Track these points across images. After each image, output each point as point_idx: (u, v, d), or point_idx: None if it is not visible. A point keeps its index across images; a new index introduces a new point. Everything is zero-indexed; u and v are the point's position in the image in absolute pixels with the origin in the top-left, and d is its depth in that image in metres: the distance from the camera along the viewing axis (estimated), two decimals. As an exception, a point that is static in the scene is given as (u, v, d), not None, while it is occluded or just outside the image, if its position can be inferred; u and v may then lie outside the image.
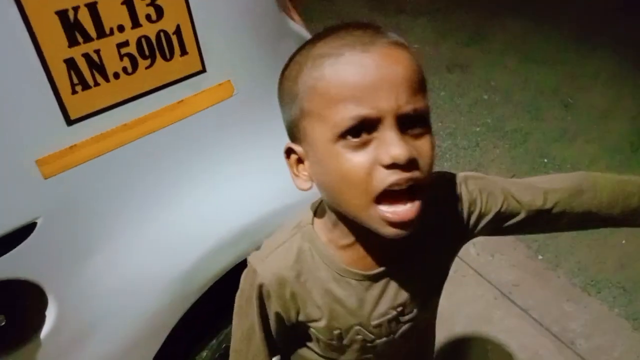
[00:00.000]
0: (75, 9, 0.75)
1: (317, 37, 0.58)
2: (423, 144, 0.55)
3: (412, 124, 0.54)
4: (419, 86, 0.55)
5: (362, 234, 0.61)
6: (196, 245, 1.03)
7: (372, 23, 0.58)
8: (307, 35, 1.23)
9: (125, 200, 0.92)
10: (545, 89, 3.51)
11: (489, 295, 2.00)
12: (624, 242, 2.29)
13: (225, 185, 1.06)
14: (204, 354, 1.19)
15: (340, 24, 0.58)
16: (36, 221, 0.82)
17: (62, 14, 0.74)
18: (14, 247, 0.81)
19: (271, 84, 1.07)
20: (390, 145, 0.51)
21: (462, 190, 0.70)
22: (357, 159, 0.52)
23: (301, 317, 0.69)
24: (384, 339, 0.71)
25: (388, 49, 0.53)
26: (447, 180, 0.71)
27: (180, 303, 1.05)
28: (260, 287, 0.67)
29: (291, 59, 0.61)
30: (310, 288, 0.67)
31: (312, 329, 0.70)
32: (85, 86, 0.80)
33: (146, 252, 0.96)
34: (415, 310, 0.71)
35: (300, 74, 0.57)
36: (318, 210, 0.69)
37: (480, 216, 0.71)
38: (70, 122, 0.80)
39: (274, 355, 0.75)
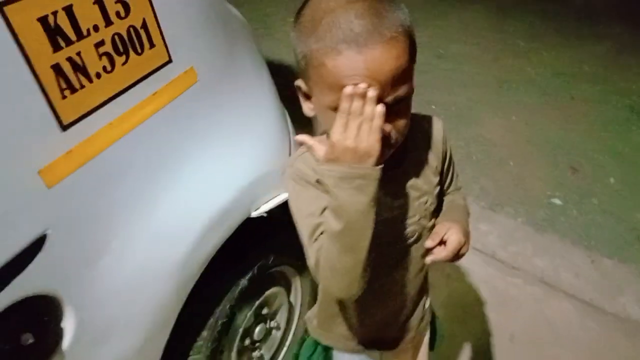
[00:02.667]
0: (54, 13, 0.75)
1: (322, 9, 0.67)
2: (400, 120, 0.72)
3: (392, 105, 0.68)
4: (404, 76, 0.68)
5: None
6: (189, 230, 1.07)
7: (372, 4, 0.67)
8: (236, 12, 1.29)
9: (122, 198, 0.93)
10: (420, 44, 3.85)
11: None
12: (511, 163, 2.68)
13: (203, 169, 1.10)
14: (204, 333, 1.24)
15: None
16: (46, 233, 0.81)
17: (43, 20, 0.74)
18: (29, 262, 0.80)
19: (226, 66, 1.14)
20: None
21: (442, 134, 0.92)
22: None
23: None
24: (392, 237, 0.87)
25: (381, 49, 0.65)
26: (429, 120, 0.93)
27: (183, 289, 1.09)
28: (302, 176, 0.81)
29: (306, 6, 0.71)
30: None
31: None
32: (73, 90, 0.80)
33: (148, 245, 0.98)
34: (416, 216, 0.88)
35: (306, 40, 0.68)
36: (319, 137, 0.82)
37: (444, 164, 0.94)
38: (64, 127, 0.80)
39: None
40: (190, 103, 1.05)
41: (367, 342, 1.06)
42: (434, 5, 4.49)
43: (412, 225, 0.88)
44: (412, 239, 0.90)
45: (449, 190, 1.00)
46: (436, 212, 0.94)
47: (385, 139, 0.68)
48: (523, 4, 4.42)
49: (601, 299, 1.97)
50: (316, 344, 1.11)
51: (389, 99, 0.67)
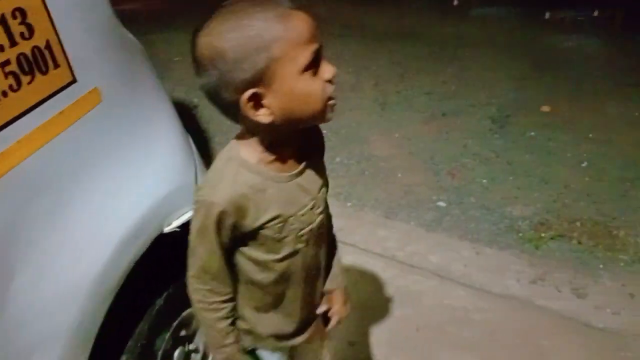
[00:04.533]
0: (-42, 32, 0.77)
1: (234, 14, 0.76)
2: None
3: None
4: None
5: (282, 149, 0.88)
6: (102, 247, 1.07)
7: None
8: (133, 37, 1.34)
9: (35, 214, 0.93)
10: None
11: (324, 244, 2.37)
12: (399, 175, 2.93)
13: (112, 187, 1.12)
14: (124, 357, 1.23)
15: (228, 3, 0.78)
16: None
17: (-52, 39, 0.75)
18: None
19: (129, 87, 1.18)
20: (329, 66, 0.80)
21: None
22: (316, 83, 0.79)
23: (256, 223, 0.90)
24: (307, 227, 0.95)
25: (304, 10, 0.78)
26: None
27: (100, 308, 1.08)
28: (220, 213, 0.85)
29: (212, 38, 0.76)
30: (257, 200, 0.88)
31: (263, 230, 0.91)
32: (-20, 108, 0.81)
33: (63, 261, 0.98)
34: (321, 205, 0.98)
35: (255, 36, 0.74)
36: (242, 146, 0.89)
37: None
38: (-29, 145, 0.80)
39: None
40: (96, 122, 1.08)
41: (289, 333, 1.12)
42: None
43: (319, 215, 0.98)
44: (320, 230, 1.01)
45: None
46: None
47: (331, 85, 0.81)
48: (385, 39, 4.89)
49: (488, 283, 2.22)
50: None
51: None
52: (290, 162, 0.91)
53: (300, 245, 0.97)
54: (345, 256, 2.31)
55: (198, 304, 0.99)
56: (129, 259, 1.13)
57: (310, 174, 0.95)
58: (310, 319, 1.15)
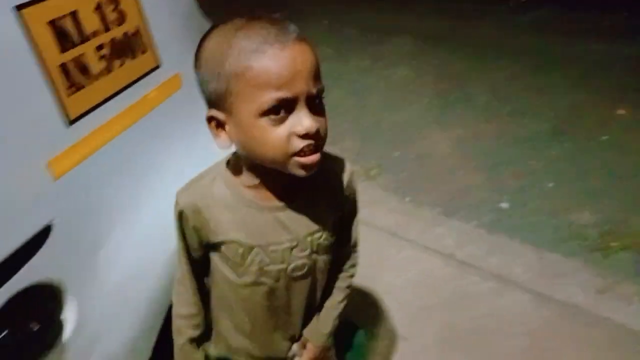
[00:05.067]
0: (63, 18, 0.82)
1: (234, 27, 0.71)
2: (322, 119, 0.74)
3: (315, 101, 0.72)
4: (319, 71, 0.73)
5: (266, 178, 0.82)
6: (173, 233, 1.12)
7: (277, 17, 0.74)
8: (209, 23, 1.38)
9: (119, 192, 0.99)
10: (363, 68, 4.10)
11: (380, 238, 2.36)
12: (461, 174, 2.87)
13: (187, 168, 1.17)
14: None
15: (251, 16, 0.72)
16: (52, 223, 0.86)
17: (53, 24, 0.81)
18: (36, 251, 0.84)
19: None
20: (304, 120, 0.70)
21: (348, 179, 0.93)
22: (278, 132, 0.70)
23: (213, 239, 0.88)
24: (279, 265, 0.88)
25: (299, 45, 0.69)
26: (339, 163, 0.95)
27: (168, 290, 1.13)
28: (180, 213, 0.87)
29: (208, 39, 0.74)
30: (220, 215, 0.85)
31: (222, 248, 0.88)
32: (77, 88, 0.87)
33: (142, 238, 1.04)
34: (308, 249, 0.89)
35: (226, 60, 0.69)
36: (230, 161, 0.88)
37: (344, 208, 0.97)
38: (69, 122, 0.86)
39: (201, 276, 0.98)
40: (176, 107, 1.13)
41: (263, 355, 1.06)
42: (366, 35, 4.79)
43: (302, 258, 0.90)
44: (300, 272, 0.91)
45: (345, 246, 1.03)
46: (333, 245, 0.95)
47: (316, 136, 0.71)
48: (445, 36, 4.77)
49: (550, 289, 2.14)
50: None
51: (314, 89, 0.71)
52: (272, 194, 0.85)
53: (265, 280, 0.90)
54: (401, 252, 2.30)
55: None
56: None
57: (297, 214, 0.87)
58: (280, 352, 1.06)
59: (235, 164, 0.85)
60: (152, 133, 1.06)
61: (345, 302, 1.06)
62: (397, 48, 4.43)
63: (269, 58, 0.67)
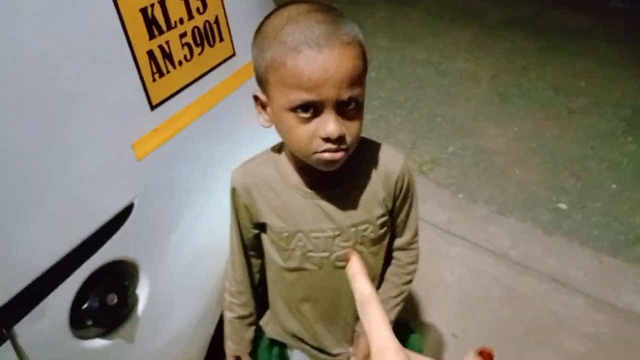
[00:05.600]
0: (152, 5, 0.86)
1: (289, 16, 0.71)
2: (353, 124, 0.75)
3: (345, 107, 0.72)
4: (358, 78, 0.73)
5: (307, 165, 0.81)
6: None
7: (332, 9, 0.74)
8: None
9: (194, 175, 1.03)
10: (420, 60, 4.03)
11: (431, 233, 2.34)
12: (517, 171, 2.80)
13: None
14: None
15: (310, 6, 0.72)
16: (134, 202, 0.90)
17: (143, 11, 0.84)
18: (118, 228, 0.89)
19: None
20: (328, 124, 0.71)
21: (400, 172, 0.91)
22: (303, 129, 0.73)
23: (260, 219, 0.91)
24: (321, 253, 0.90)
25: (339, 51, 0.69)
26: (392, 155, 0.93)
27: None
28: (233, 190, 0.91)
29: (266, 22, 0.75)
30: (266, 197, 0.89)
31: (267, 230, 0.92)
32: (161, 74, 0.90)
33: (212, 219, 1.07)
34: (351, 241, 0.90)
35: (269, 49, 0.72)
36: (282, 145, 0.90)
37: (395, 201, 0.94)
38: (153, 107, 0.90)
39: (257, 257, 1.02)
40: (247, 95, 1.15)
41: (314, 344, 1.07)
42: (427, 25, 4.69)
43: (345, 249, 0.90)
44: (344, 263, 0.92)
45: (400, 241, 1.01)
46: (381, 240, 0.95)
47: (340, 140, 0.73)
48: (507, 25, 4.62)
49: (609, 295, 2.07)
50: (272, 344, 1.14)
51: (345, 96, 0.71)
52: (316, 181, 0.86)
53: (309, 266, 0.92)
54: (453, 248, 2.27)
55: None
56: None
57: (341, 203, 0.87)
58: (331, 345, 1.05)
59: (285, 150, 0.88)
60: (225, 119, 1.09)
61: (400, 299, 1.04)
62: (455, 40, 4.34)
63: (303, 59, 0.68)
